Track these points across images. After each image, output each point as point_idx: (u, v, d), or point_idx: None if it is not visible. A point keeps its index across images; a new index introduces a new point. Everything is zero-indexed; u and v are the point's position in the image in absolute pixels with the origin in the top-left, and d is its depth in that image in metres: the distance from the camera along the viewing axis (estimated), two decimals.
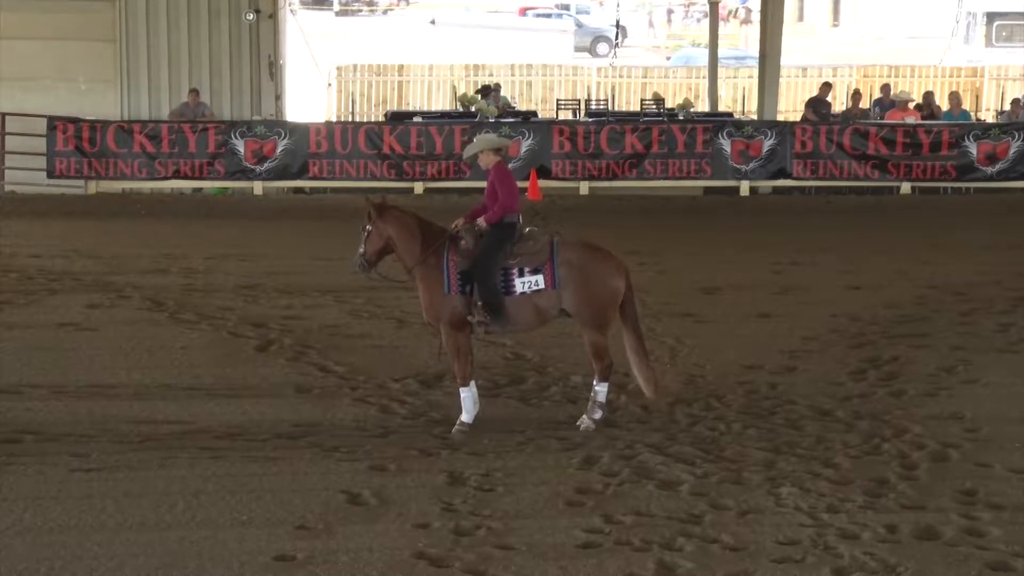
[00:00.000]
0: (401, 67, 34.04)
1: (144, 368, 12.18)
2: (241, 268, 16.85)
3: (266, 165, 23.28)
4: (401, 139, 23.48)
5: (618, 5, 41.96)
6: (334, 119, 31.34)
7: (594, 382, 10.65)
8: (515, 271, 10.49)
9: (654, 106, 28.43)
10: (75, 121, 23.04)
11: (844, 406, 11.16)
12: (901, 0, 51.00)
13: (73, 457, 9.70)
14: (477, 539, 8.37)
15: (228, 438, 10.22)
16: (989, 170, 23.92)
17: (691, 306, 14.75)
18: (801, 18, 57.75)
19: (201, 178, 23.46)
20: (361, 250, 10.76)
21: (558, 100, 31.17)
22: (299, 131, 23.69)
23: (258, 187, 23.58)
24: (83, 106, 23.80)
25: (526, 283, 10.49)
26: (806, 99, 27.87)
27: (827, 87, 26.77)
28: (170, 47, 24.22)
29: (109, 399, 11.21)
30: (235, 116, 24.24)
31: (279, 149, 23.23)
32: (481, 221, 10.62)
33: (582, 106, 29.85)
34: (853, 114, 25.56)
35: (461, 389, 10.56)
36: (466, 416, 10.51)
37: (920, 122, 24.55)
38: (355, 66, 33.52)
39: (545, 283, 10.47)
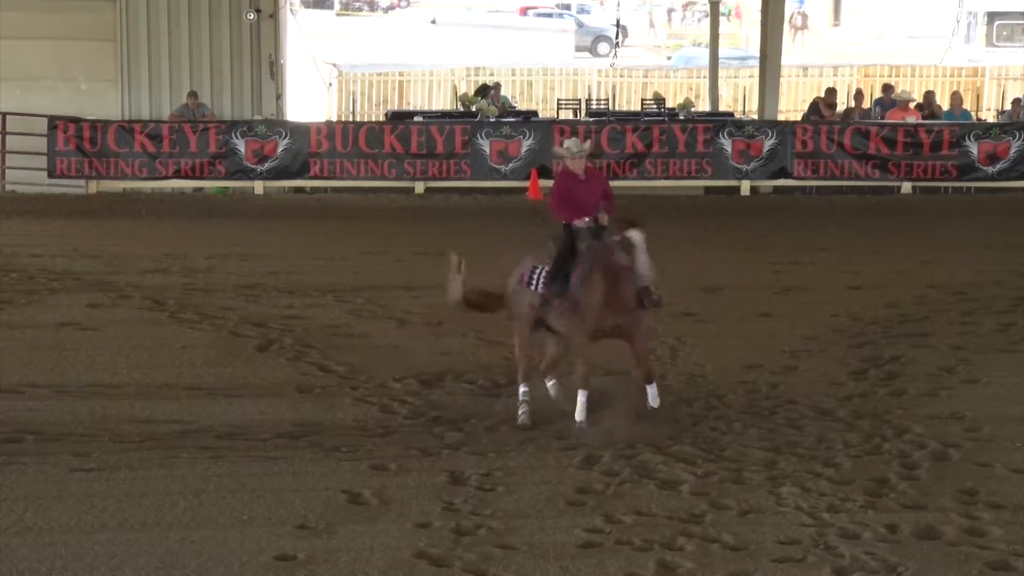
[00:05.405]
0: (402, 68, 34.01)
1: (145, 368, 12.17)
2: (242, 268, 16.84)
3: (267, 165, 23.29)
4: (402, 138, 23.49)
5: (619, 5, 41.93)
6: (334, 119, 31.32)
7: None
8: None
9: (655, 106, 28.41)
10: (76, 121, 23.04)
11: (845, 406, 11.15)
12: (901, 0, 50.96)
13: (74, 457, 9.69)
14: (478, 539, 8.36)
15: (229, 438, 10.21)
16: (990, 170, 23.92)
17: (691, 306, 14.72)
18: None
19: (202, 178, 23.46)
20: None
21: (559, 100, 31.15)
22: (300, 131, 23.70)
23: (259, 187, 23.58)
24: (84, 106, 23.79)
25: None
26: (810, 101, 27.74)
27: (832, 92, 26.61)
28: (171, 47, 24.21)
29: (110, 399, 11.20)
30: (236, 116, 24.23)
31: (280, 149, 23.24)
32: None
33: (583, 106, 29.84)
34: (854, 113, 25.53)
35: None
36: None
37: (921, 122, 24.53)
38: (356, 70, 33.48)
39: None
